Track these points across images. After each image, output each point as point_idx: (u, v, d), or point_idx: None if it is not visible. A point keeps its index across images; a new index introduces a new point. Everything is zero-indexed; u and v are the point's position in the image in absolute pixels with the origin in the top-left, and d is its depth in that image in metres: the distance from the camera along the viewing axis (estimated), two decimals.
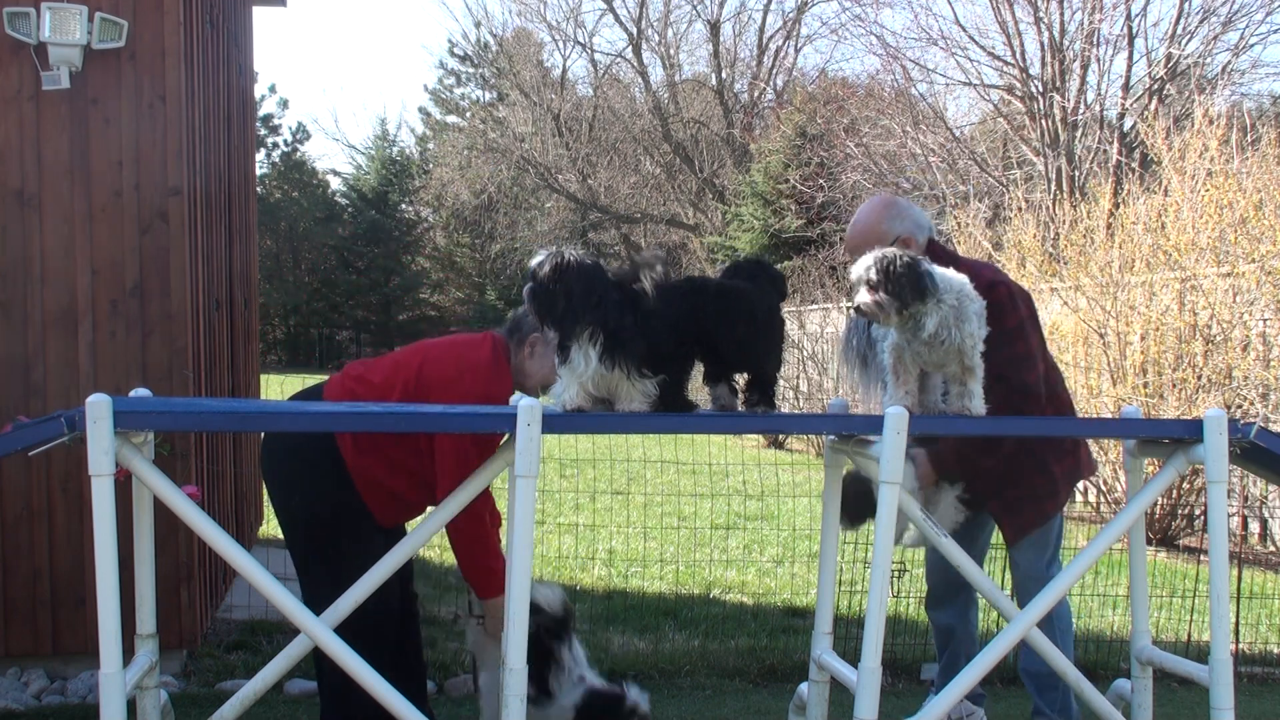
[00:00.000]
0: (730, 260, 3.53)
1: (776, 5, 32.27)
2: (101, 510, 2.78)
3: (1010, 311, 3.57)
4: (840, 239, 19.38)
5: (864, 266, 3.09)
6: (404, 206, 37.84)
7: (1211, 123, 9.09)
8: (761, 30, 30.01)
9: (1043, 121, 15.71)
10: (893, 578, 4.87)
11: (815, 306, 15.48)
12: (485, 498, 3.36)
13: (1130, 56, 15.76)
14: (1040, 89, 15.80)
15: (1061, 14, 15.49)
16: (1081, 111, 15.57)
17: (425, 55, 66.49)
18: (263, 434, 3.57)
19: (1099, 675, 4.50)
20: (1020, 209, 10.78)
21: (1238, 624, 5.00)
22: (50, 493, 4.42)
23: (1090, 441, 8.55)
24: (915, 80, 18.14)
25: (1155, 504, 7.51)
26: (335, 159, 72.41)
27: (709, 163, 29.35)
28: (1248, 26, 14.99)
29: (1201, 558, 7.42)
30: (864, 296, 3.08)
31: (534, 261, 2.99)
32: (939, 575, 4.09)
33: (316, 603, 3.09)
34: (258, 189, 8.59)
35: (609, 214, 31.18)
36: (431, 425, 3.27)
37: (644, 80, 30.50)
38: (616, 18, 29.98)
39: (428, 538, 3.21)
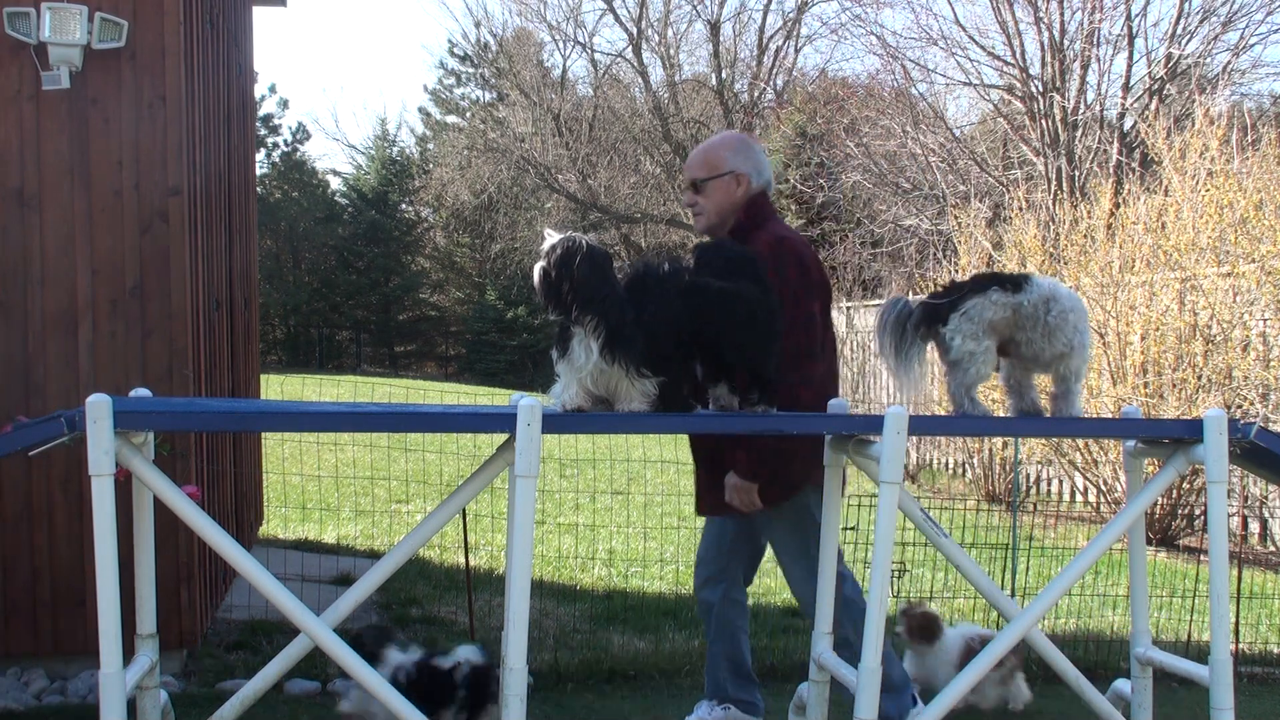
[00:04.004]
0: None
1: (776, 5, 32.27)
2: (101, 510, 2.78)
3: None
4: (840, 239, 19.41)
5: None
6: (404, 206, 37.80)
7: (1212, 123, 9.09)
8: (761, 30, 30.00)
9: (1043, 121, 15.72)
10: (893, 578, 4.89)
11: None
12: None
13: (1130, 56, 15.78)
14: (1040, 89, 15.81)
15: (1061, 14, 15.50)
16: (1081, 111, 15.57)
17: (425, 55, 66.39)
18: None
19: (1099, 675, 4.49)
20: (1020, 209, 10.78)
21: (1238, 624, 5.00)
22: (50, 493, 4.42)
23: (1090, 441, 8.60)
24: (915, 80, 18.18)
25: (1155, 504, 7.51)
26: (335, 159, 72.35)
27: None
28: (1248, 26, 15.02)
29: (1201, 558, 7.42)
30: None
31: (547, 243, 2.98)
32: (709, 557, 3.98)
33: None
34: (258, 189, 8.59)
35: (609, 214, 31.18)
36: (431, 426, 3.27)
37: (644, 80, 30.49)
38: (616, 18, 29.98)
39: (428, 538, 3.21)
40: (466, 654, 3.64)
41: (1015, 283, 3.29)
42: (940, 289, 3.45)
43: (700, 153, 3.84)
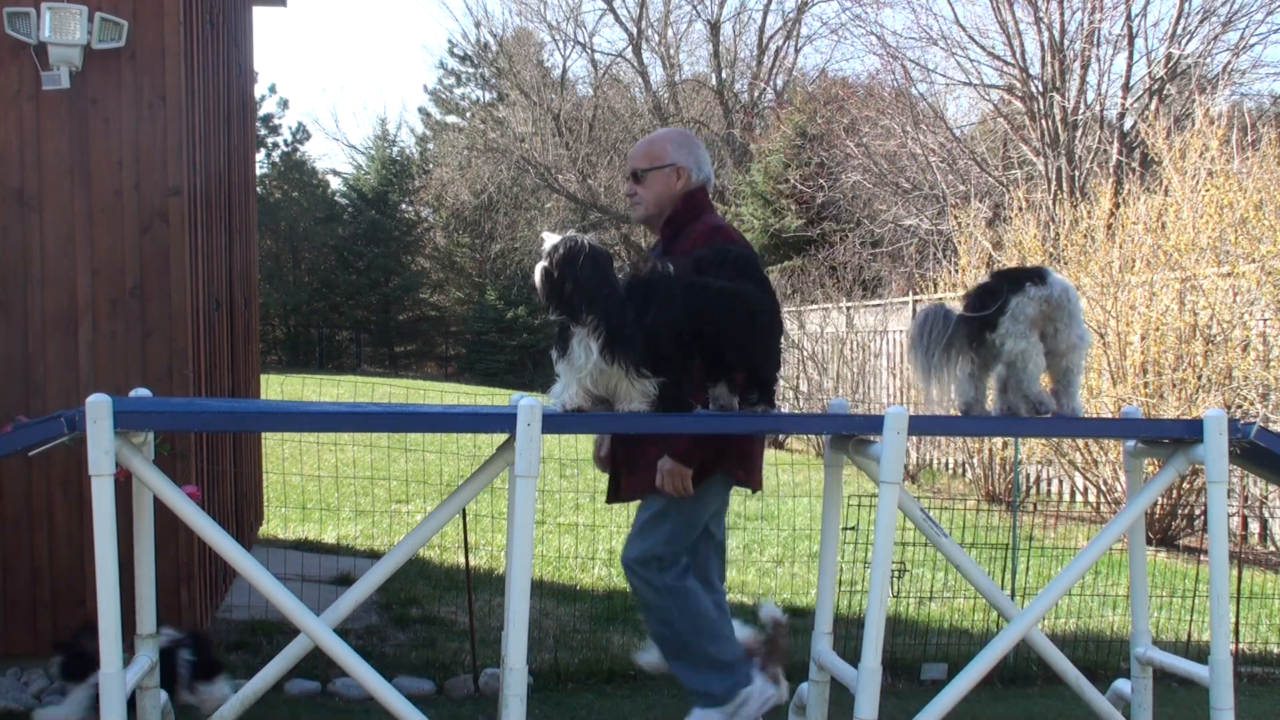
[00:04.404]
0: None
1: (776, 5, 32.34)
2: (101, 510, 2.78)
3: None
4: (840, 239, 19.41)
5: None
6: (404, 206, 37.81)
7: (1212, 123, 9.08)
8: (761, 30, 30.04)
9: (1043, 121, 15.72)
10: (893, 578, 4.88)
11: (815, 306, 15.49)
12: None
13: (1130, 56, 15.78)
14: (1040, 89, 15.81)
15: (1061, 14, 15.50)
16: (1081, 111, 15.57)
17: (425, 55, 66.47)
18: None
19: (1099, 675, 4.50)
20: (1020, 209, 10.78)
21: (1238, 624, 5.00)
22: (50, 493, 4.42)
23: (1090, 441, 8.60)
24: (915, 80, 18.18)
25: (1155, 504, 7.51)
26: (335, 159, 72.40)
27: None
28: (1248, 26, 15.03)
29: (1201, 558, 7.42)
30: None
31: (548, 244, 2.99)
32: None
33: None
34: (258, 189, 8.58)
35: (609, 214, 31.18)
36: (431, 426, 3.27)
37: (644, 80, 30.53)
38: (616, 18, 30.03)
39: (428, 538, 3.21)
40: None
41: (1040, 275, 3.39)
42: (973, 299, 3.40)
43: (643, 145, 3.91)
